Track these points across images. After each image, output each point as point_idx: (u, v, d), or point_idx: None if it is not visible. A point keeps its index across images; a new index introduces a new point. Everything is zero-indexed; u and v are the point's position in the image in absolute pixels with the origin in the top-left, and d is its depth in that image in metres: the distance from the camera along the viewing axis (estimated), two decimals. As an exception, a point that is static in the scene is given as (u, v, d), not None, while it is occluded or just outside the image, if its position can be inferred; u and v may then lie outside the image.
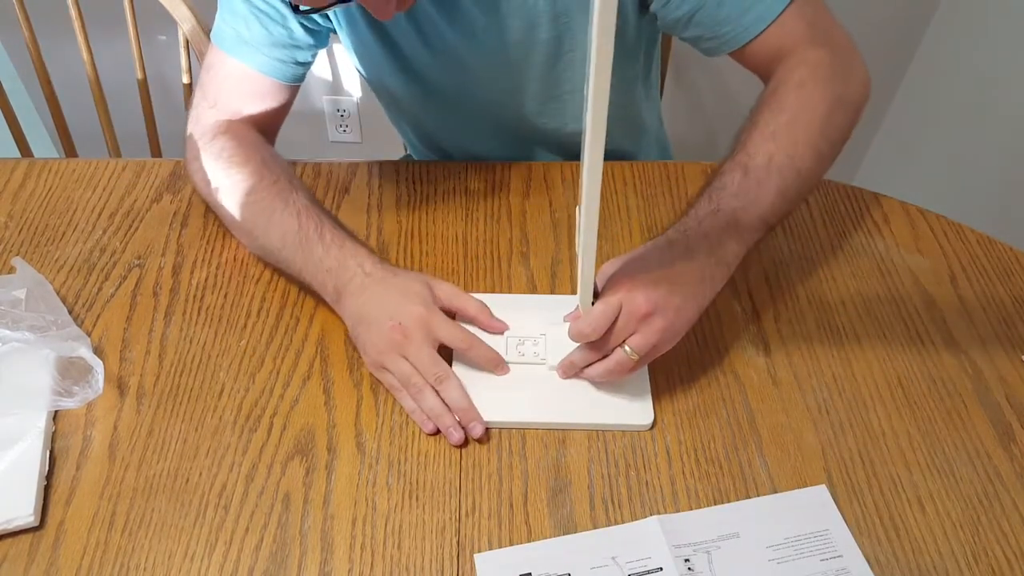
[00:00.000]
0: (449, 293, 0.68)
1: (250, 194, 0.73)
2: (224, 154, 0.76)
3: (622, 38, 0.82)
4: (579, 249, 0.56)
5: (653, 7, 0.76)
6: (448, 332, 0.65)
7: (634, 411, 0.64)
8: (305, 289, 0.72)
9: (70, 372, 0.64)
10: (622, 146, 0.99)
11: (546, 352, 0.67)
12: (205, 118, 0.79)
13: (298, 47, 0.79)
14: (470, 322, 0.69)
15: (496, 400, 0.64)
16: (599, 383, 0.65)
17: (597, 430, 0.64)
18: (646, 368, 0.66)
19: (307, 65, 0.82)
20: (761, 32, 0.71)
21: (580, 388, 0.65)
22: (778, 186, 0.66)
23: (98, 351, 0.68)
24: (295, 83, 0.82)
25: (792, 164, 0.66)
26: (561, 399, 0.65)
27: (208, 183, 0.76)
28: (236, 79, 0.79)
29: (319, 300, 0.72)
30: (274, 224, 0.71)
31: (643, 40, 0.87)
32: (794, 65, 0.71)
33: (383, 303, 0.66)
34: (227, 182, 0.75)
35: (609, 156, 0.94)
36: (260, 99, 0.80)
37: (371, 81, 0.91)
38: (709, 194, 0.67)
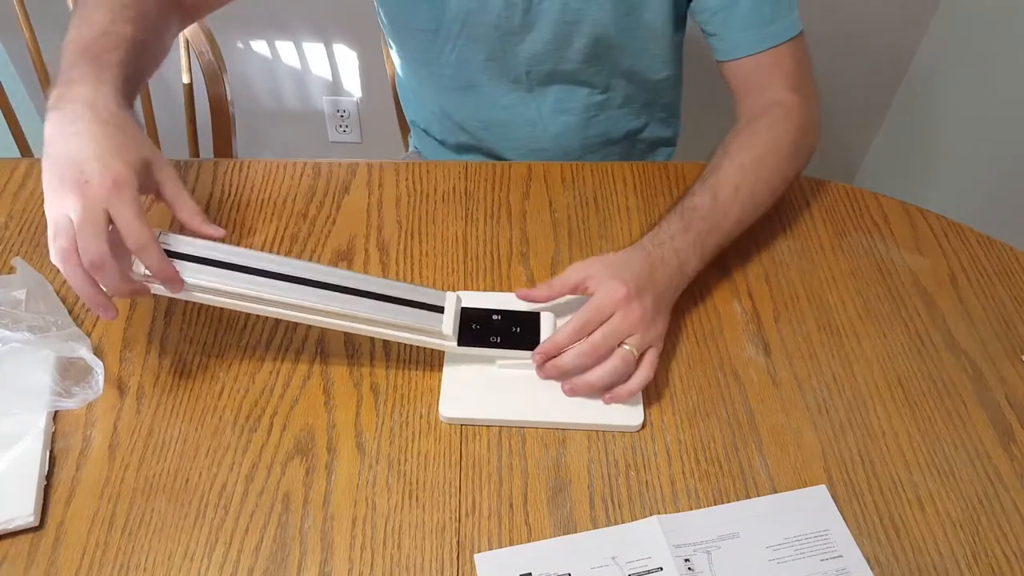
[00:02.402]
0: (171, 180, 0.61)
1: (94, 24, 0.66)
2: None
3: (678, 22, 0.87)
4: None
5: None
6: (127, 218, 0.55)
7: (625, 411, 0.64)
8: None
9: (70, 372, 0.64)
10: (671, 131, 1.07)
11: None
12: None
13: None
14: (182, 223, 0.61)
15: (486, 400, 0.64)
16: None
17: (590, 431, 0.64)
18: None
19: None
20: (754, 54, 0.78)
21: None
22: (737, 215, 0.73)
23: (98, 351, 0.68)
24: None
25: (752, 199, 0.73)
26: (552, 400, 0.64)
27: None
28: None
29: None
30: (83, 21, 0.64)
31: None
32: (772, 103, 0.78)
33: (83, 147, 0.56)
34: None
35: (661, 143, 1.03)
36: None
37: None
38: (681, 212, 0.71)
